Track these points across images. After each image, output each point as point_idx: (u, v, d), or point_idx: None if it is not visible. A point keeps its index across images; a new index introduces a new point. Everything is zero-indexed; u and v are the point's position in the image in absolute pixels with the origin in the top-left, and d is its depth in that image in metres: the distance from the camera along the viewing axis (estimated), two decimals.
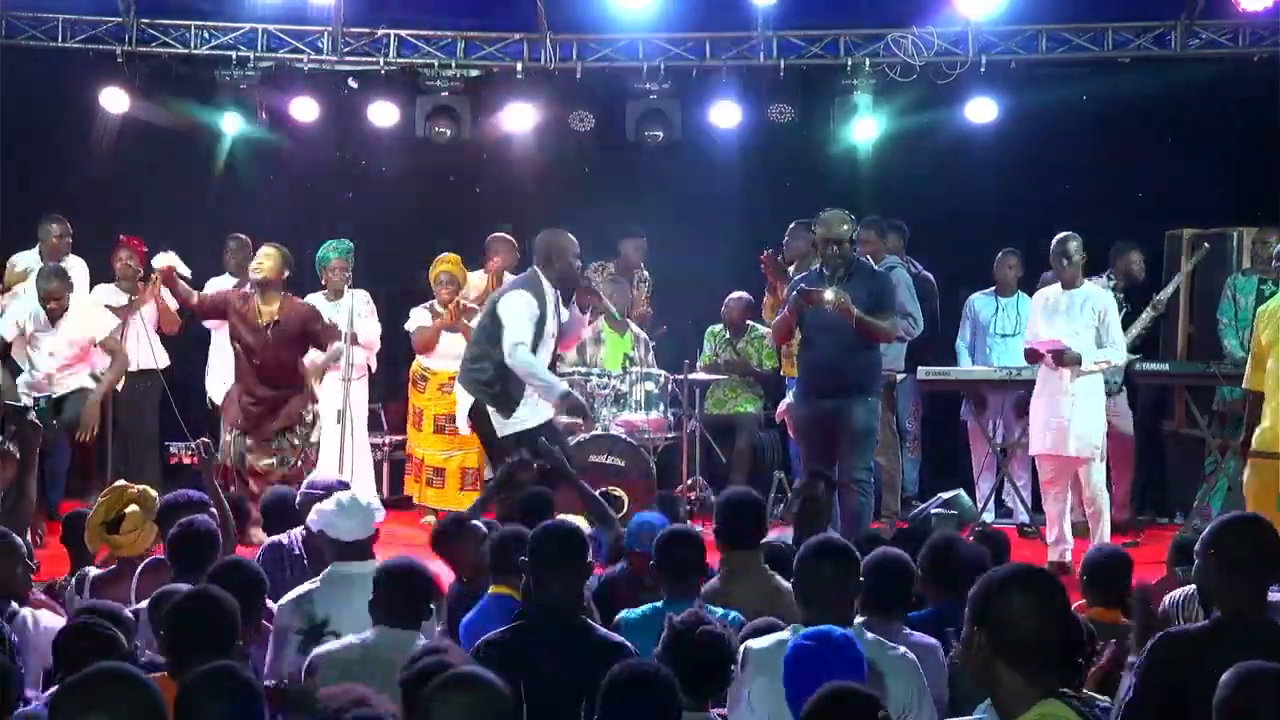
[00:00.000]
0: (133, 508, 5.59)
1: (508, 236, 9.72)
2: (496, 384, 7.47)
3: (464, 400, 7.68)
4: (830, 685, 3.24)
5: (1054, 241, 8.07)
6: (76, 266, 9.19)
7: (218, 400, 9.44)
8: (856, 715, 3.17)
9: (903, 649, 4.11)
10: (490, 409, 7.51)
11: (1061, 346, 7.87)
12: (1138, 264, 9.50)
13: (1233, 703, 2.97)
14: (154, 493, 5.73)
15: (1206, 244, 9.28)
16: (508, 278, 8.90)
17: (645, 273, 10.22)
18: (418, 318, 9.23)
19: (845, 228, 7.60)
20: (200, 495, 5.60)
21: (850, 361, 7.55)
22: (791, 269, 8.98)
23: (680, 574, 4.83)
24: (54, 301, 8.38)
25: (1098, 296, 8.06)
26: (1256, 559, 3.68)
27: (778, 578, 5.16)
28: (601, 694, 3.46)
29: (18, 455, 7.44)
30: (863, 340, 7.54)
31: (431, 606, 4.51)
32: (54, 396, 8.51)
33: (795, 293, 7.59)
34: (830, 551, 4.21)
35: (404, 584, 4.41)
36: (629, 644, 4.18)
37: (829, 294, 7.36)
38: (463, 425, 7.84)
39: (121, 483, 5.90)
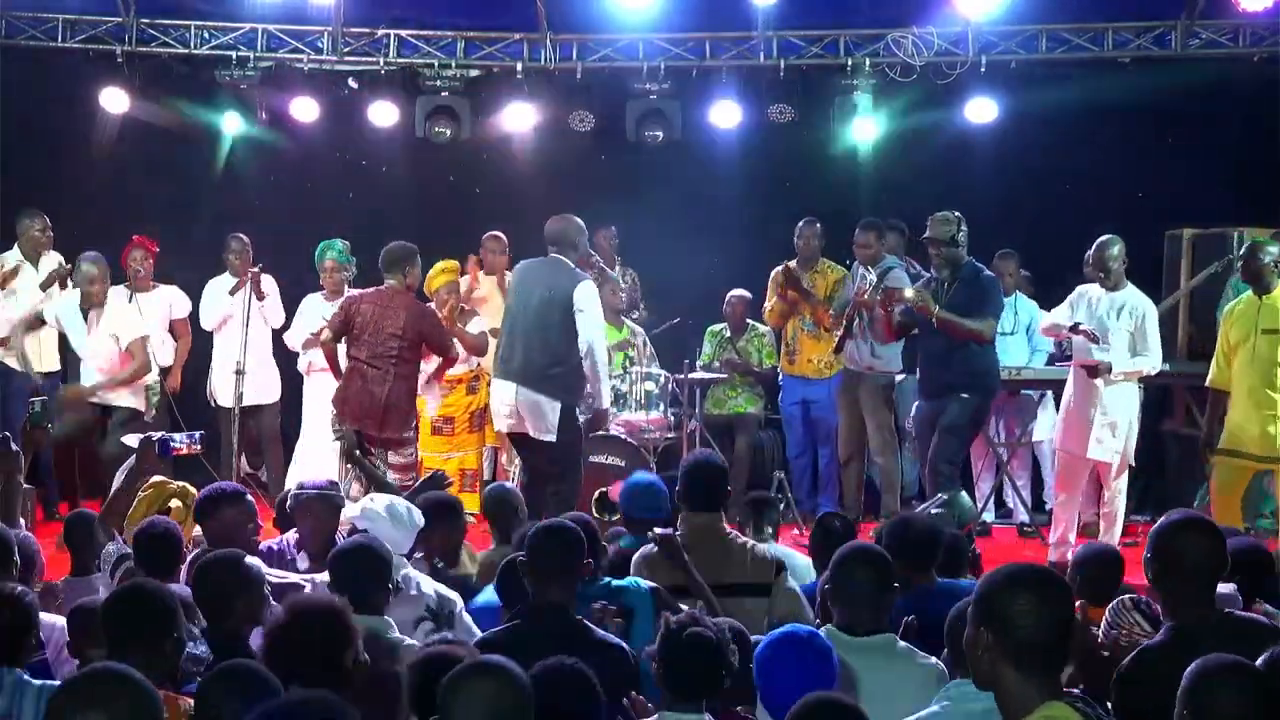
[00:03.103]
0: (175, 503, 5.54)
1: (501, 236, 9.70)
2: (579, 382, 7.35)
3: (547, 409, 7.27)
4: (814, 695, 3.22)
5: (1095, 246, 7.96)
6: (53, 262, 9.15)
7: (220, 400, 9.43)
8: None
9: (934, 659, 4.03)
10: (576, 408, 7.41)
11: (1090, 334, 7.74)
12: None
13: (1194, 697, 2.93)
14: (193, 490, 5.64)
15: (1217, 265, 9.14)
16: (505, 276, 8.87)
17: (630, 270, 10.27)
18: None
19: (945, 229, 7.86)
20: (236, 487, 5.46)
21: (948, 362, 7.86)
22: (794, 262, 8.98)
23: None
24: (96, 284, 8.40)
25: (1138, 302, 7.87)
26: (1203, 561, 3.67)
27: (740, 539, 5.18)
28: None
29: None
30: (959, 341, 7.80)
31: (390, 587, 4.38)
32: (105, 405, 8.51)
33: (880, 292, 8.02)
34: (866, 557, 4.17)
35: (360, 564, 4.32)
36: (625, 645, 4.18)
37: (909, 292, 7.82)
38: (543, 435, 7.31)
39: (159, 479, 5.76)
